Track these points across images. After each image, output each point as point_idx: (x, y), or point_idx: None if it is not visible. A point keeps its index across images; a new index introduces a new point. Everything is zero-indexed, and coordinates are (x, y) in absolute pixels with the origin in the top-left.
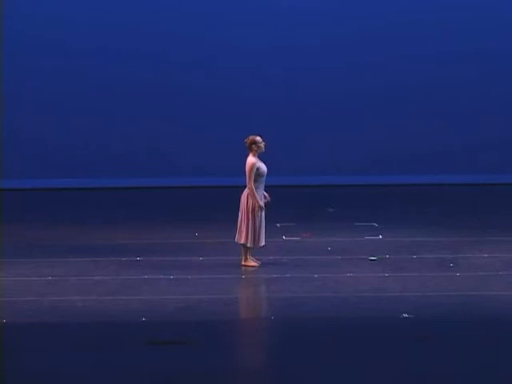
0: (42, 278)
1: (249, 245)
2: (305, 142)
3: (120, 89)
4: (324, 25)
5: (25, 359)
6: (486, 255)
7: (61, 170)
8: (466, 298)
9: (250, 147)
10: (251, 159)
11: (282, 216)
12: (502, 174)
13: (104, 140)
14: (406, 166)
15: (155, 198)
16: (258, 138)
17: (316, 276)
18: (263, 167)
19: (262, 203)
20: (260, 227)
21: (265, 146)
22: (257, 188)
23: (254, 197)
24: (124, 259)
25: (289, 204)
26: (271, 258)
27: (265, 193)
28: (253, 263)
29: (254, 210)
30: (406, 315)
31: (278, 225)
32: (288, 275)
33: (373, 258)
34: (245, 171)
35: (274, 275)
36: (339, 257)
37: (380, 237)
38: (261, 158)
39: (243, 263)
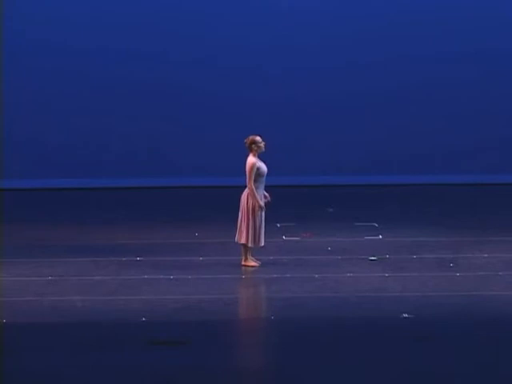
0: (42, 277)
1: (250, 245)
2: (305, 142)
3: (120, 89)
4: (324, 25)
5: (25, 359)
6: (486, 255)
7: (61, 170)
8: (466, 298)
9: (250, 147)
10: (251, 159)
11: (281, 216)
12: (502, 174)
13: (104, 140)
14: (405, 166)
15: (155, 198)
16: (258, 138)
17: (316, 276)
18: (263, 167)
19: (262, 203)
20: (260, 227)
21: (265, 145)
22: (257, 188)
23: (254, 197)
24: (124, 259)
25: (289, 204)
26: (271, 258)
27: (265, 192)
28: (253, 263)
29: (254, 209)
30: (406, 315)
31: (278, 225)
32: (288, 275)
33: (373, 257)
34: (245, 171)
35: (274, 275)
36: (339, 257)
37: (380, 237)
38: (261, 157)
39: (243, 263)
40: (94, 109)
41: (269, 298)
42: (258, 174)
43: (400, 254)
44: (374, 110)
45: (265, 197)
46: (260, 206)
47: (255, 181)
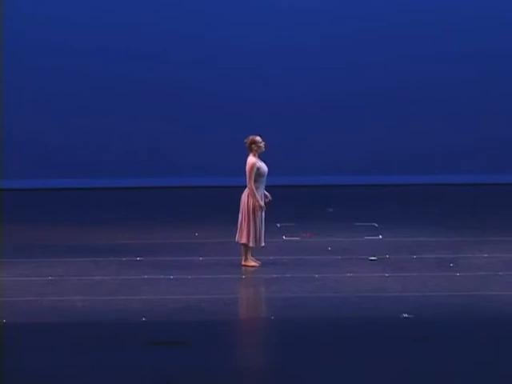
0: (42, 277)
1: (250, 244)
2: (305, 142)
3: (120, 89)
4: (324, 25)
5: (25, 359)
6: (486, 255)
7: (61, 170)
8: (466, 298)
9: (250, 147)
10: (251, 159)
11: (281, 216)
12: (502, 174)
13: (104, 140)
14: (405, 166)
15: (155, 198)
16: (258, 138)
17: (316, 276)
18: (263, 167)
19: (262, 203)
20: (260, 227)
21: (265, 145)
22: (257, 188)
23: (254, 196)
24: (124, 259)
25: (289, 204)
26: (271, 258)
27: (265, 192)
28: (253, 263)
29: (254, 209)
30: (406, 315)
31: (278, 225)
32: (288, 275)
33: (373, 257)
34: (245, 171)
35: (274, 275)
36: (339, 257)
37: (380, 237)
38: (261, 157)
39: (243, 263)
40: (94, 109)
41: (269, 297)
42: (259, 173)
43: (400, 253)
44: (373, 110)
45: (265, 196)
46: (260, 206)
47: (255, 181)
